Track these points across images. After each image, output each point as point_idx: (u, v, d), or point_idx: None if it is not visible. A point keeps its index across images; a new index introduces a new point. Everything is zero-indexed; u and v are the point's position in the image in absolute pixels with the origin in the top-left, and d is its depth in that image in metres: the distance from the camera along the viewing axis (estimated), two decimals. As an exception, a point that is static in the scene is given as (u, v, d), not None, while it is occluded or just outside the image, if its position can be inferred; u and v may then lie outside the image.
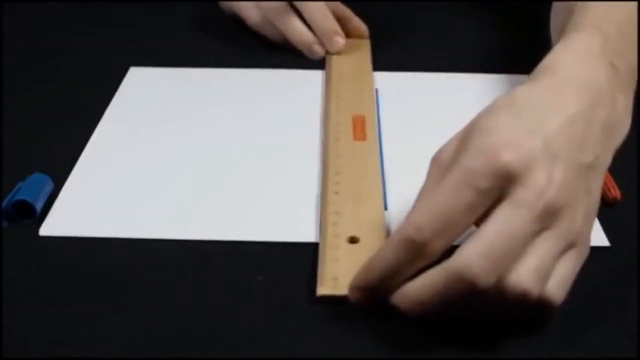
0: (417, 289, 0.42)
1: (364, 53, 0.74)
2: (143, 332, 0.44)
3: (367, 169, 0.57)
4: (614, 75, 0.48)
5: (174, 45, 0.75)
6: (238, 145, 0.60)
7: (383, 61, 0.73)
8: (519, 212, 0.41)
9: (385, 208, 0.53)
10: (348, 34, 0.75)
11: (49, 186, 0.54)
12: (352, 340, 0.44)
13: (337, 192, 0.54)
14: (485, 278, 0.40)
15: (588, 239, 0.45)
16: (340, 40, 0.73)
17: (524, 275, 0.41)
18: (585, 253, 0.45)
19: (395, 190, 0.55)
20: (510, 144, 0.42)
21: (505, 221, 0.41)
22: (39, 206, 0.52)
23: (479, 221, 0.42)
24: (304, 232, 0.51)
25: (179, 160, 0.59)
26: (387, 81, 0.70)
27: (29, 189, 0.52)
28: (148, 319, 0.45)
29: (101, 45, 0.75)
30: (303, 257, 0.49)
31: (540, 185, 0.42)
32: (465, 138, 0.44)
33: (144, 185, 0.56)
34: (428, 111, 0.66)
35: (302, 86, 0.68)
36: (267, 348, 0.44)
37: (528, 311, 0.42)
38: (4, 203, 0.51)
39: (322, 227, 0.51)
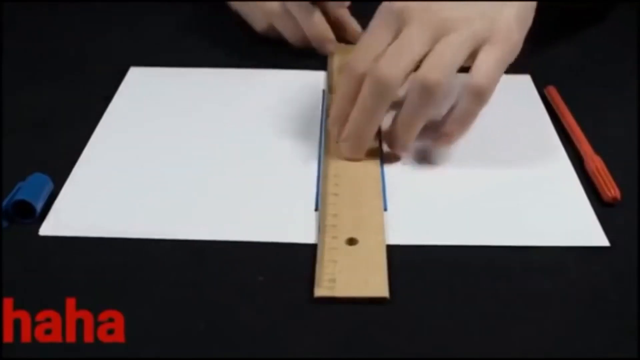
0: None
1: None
2: (143, 332, 0.44)
3: (367, 170, 0.57)
4: None
5: (174, 45, 0.75)
6: (238, 145, 0.60)
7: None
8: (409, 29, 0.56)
9: (385, 209, 0.53)
10: (343, 38, 0.74)
11: (49, 186, 0.54)
12: (352, 340, 0.44)
13: (336, 194, 0.54)
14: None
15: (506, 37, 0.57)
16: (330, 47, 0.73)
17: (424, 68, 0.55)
18: (506, 47, 0.56)
19: (395, 191, 0.55)
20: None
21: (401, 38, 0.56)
22: (39, 206, 0.52)
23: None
24: (304, 233, 0.51)
25: (179, 160, 0.59)
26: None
27: (29, 189, 0.52)
28: (148, 319, 0.45)
29: (101, 45, 0.75)
30: (303, 257, 0.49)
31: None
32: None
33: (144, 185, 0.56)
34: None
35: (302, 86, 0.68)
36: (267, 348, 0.44)
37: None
38: (4, 203, 0.51)
39: (320, 228, 0.51)
